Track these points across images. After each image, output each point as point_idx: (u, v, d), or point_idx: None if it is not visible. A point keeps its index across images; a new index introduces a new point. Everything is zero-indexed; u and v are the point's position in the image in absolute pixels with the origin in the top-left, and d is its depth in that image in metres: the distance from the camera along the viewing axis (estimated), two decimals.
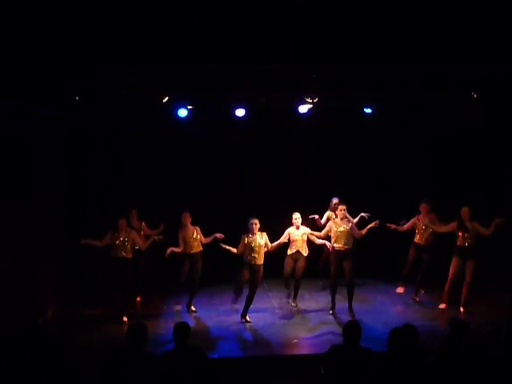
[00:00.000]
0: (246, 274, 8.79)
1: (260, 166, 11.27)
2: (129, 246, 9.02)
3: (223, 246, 8.86)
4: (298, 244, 9.32)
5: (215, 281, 10.39)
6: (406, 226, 9.68)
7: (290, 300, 9.73)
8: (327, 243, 9.16)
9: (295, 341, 8.15)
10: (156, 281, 10.24)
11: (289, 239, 9.33)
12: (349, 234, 8.99)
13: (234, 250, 8.82)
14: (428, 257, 9.64)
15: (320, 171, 11.20)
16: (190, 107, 9.67)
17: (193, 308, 9.45)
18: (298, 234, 9.31)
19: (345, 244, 8.99)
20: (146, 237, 9.70)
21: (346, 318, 8.62)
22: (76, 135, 10.52)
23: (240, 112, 9.82)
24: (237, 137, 10.93)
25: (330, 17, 6.99)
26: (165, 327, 8.34)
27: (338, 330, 8.05)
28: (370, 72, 7.82)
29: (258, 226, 8.81)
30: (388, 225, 9.40)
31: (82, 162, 10.70)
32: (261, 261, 8.82)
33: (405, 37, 7.07)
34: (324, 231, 9.26)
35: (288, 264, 9.46)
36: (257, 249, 8.75)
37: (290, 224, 9.35)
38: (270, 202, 10.80)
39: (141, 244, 9.31)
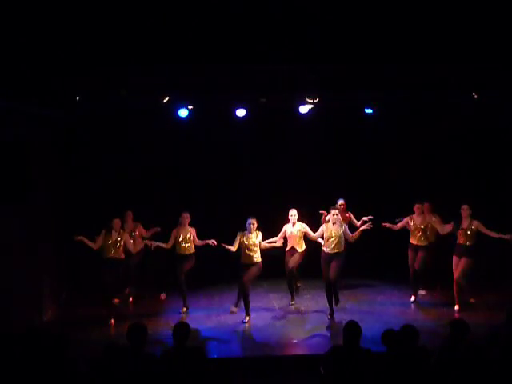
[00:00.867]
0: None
1: (260, 166, 11.26)
2: (120, 247, 9.05)
3: (223, 244, 8.87)
4: (294, 240, 9.34)
5: (214, 281, 10.39)
6: (399, 225, 9.66)
7: (290, 297, 9.77)
8: (321, 241, 9.18)
9: (295, 341, 8.15)
10: (154, 281, 10.26)
11: (285, 236, 9.37)
12: (340, 238, 8.94)
13: (233, 249, 8.85)
14: (424, 256, 9.62)
15: (320, 171, 11.20)
16: (190, 107, 9.67)
17: (184, 309, 9.46)
18: (293, 230, 9.34)
19: (334, 248, 8.93)
20: (143, 238, 9.72)
21: (346, 318, 8.61)
22: (75, 135, 10.52)
23: (241, 112, 9.83)
24: (237, 137, 10.92)
25: (330, 17, 6.99)
26: (165, 327, 8.35)
27: (338, 330, 8.05)
28: (371, 72, 7.81)
29: (256, 225, 8.85)
30: (383, 224, 9.40)
31: (81, 162, 10.69)
32: (258, 259, 8.87)
33: (405, 37, 7.06)
34: (317, 234, 9.22)
35: (287, 261, 9.49)
36: (252, 247, 8.82)
37: (287, 221, 9.37)
38: (269, 202, 10.80)
39: (131, 247, 9.32)
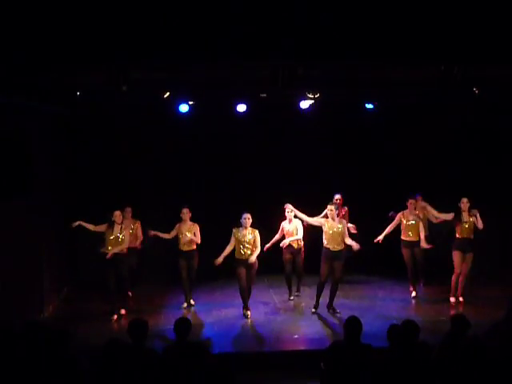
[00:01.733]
0: (242, 271, 8.79)
1: (261, 161, 11.25)
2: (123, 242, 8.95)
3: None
4: (291, 237, 9.37)
5: (215, 276, 10.41)
6: (392, 225, 9.65)
7: (293, 293, 9.81)
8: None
9: (296, 336, 8.16)
10: (155, 276, 10.28)
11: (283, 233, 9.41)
12: (342, 234, 8.86)
13: (230, 248, 8.85)
14: (420, 251, 9.62)
15: (320, 166, 11.19)
16: (191, 103, 9.66)
17: (192, 302, 9.49)
18: (290, 227, 9.37)
19: (337, 245, 8.87)
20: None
21: (346, 314, 8.60)
22: (76, 131, 10.51)
23: (241, 107, 9.82)
24: (238, 132, 10.90)
25: (331, 13, 6.96)
26: (166, 323, 8.36)
27: (339, 326, 8.07)
28: (372, 68, 7.78)
29: (250, 220, 8.80)
30: (375, 241, 9.53)
31: (81, 158, 10.69)
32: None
33: (405, 33, 7.04)
34: (315, 220, 9.13)
35: (286, 258, 9.55)
36: (246, 244, 8.76)
37: (283, 217, 9.40)
38: (270, 197, 10.78)
39: (128, 241, 9.16)
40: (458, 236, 9.15)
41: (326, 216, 9.11)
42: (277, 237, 9.47)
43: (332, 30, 7.00)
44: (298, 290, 9.94)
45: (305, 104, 9.54)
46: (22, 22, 6.79)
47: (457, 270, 9.18)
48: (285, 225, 9.42)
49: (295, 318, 8.92)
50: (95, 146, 10.70)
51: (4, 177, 7.90)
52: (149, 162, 10.97)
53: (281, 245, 9.33)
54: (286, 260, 9.57)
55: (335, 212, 8.89)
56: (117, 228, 8.95)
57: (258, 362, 7.39)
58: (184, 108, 9.69)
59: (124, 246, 8.98)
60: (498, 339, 5.53)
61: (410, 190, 9.99)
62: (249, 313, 8.90)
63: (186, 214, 9.32)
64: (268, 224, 9.51)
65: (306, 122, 10.41)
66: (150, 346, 5.52)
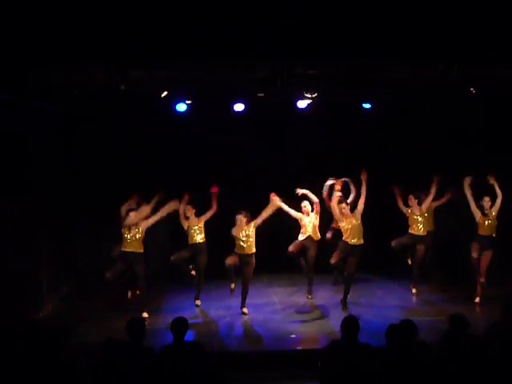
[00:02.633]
0: (233, 259, 8.79)
1: (258, 161, 11.25)
2: (139, 240, 8.85)
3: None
4: (309, 229, 9.41)
5: (213, 275, 10.39)
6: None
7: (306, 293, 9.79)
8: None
9: (293, 336, 8.16)
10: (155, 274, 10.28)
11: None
12: (360, 226, 8.93)
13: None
14: (423, 248, 9.67)
15: (319, 165, 11.18)
16: (188, 102, 9.66)
17: (197, 302, 9.47)
18: (308, 220, 9.39)
19: (359, 239, 8.91)
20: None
21: (344, 313, 8.63)
22: (75, 130, 10.50)
23: (239, 107, 9.82)
24: (235, 131, 10.89)
25: (329, 12, 6.97)
26: (164, 322, 8.35)
27: (337, 325, 8.06)
28: (370, 67, 7.79)
29: (244, 220, 8.78)
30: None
31: (80, 157, 10.67)
32: (250, 250, 8.80)
33: (403, 32, 7.05)
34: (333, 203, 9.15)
35: (297, 244, 9.52)
36: (244, 239, 8.76)
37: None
38: (267, 196, 10.77)
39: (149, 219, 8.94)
40: (479, 233, 9.21)
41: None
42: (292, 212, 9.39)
43: (331, 30, 7.01)
44: (310, 293, 9.81)
45: (302, 103, 9.55)
46: (21, 20, 6.80)
47: (482, 269, 9.23)
48: (303, 218, 9.45)
49: (293, 318, 8.90)
50: (94, 145, 10.68)
51: (2, 176, 7.90)
52: (148, 161, 10.96)
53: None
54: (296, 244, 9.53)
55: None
56: (132, 226, 8.81)
57: (255, 361, 7.38)
58: (182, 107, 9.69)
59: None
60: (497, 339, 5.53)
61: (410, 188, 10.04)
62: (244, 310, 8.93)
63: (189, 211, 9.34)
64: (266, 222, 9.48)
65: (304, 120, 10.41)
66: (148, 344, 5.51)
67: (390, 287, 10.34)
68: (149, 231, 9.22)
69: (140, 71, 7.48)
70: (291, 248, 9.54)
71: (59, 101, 8.91)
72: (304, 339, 8.10)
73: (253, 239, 8.84)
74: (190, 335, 5.59)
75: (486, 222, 9.12)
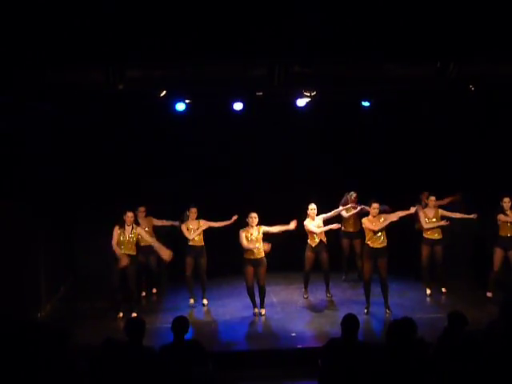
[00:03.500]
0: (250, 270, 8.79)
1: (258, 160, 11.25)
2: (134, 243, 8.88)
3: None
4: (321, 234, 9.32)
5: (214, 275, 10.40)
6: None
7: (325, 292, 9.72)
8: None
9: (293, 334, 8.16)
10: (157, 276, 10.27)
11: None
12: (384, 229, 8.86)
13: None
14: (441, 249, 9.64)
15: (318, 164, 11.19)
16: (187, 101, 9.65)
17: (205, 301, 9.49)
18: (314, 225, 9.28)
19: (382, 242, 8.86)
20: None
21: (344, 311, 8.61)
22: (73, 130, 10.49)
23: (238, 106, 9.81)
24: (235, 130, 10.89)
25: (327, 11, 6.97)
26: (164, 321, 8.36)
27: (337, 323, 8.05)
28: (369, 65, 7.79)
29: (257, 220, 8.80)
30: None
31: (79, 157, 10.67)
32: (260, 254, 8.81)
33: (401, 30, 7.05)
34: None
35: (309, 258, 9.43)
36: (255, 242, 8.74)
37: (305, 215, 9.35)
38: (267, 196, 10.80)
39: (148, 239, 8.99)
40: (500, 234, 9.21)
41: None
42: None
43: (329, 28, 7.01)
44: (328, 291, 9.74)
45: (301, 102, 9.54)
46: (19, 20, 6.79)
47: (496, 267, 9.21)
48: (307, 223, 9.30)
49: (293, 316, 8.91)
50: (93, 145, 10.67)
51: (1, 176, 7.89)
52: (148, 161, 10.95)
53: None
54: (309, 258, 9.45)
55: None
56: (128, 229, 8.83)
57: (255, 360, 7.39)
58: (181, 106, 9.69)
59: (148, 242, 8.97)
60: (495, 337, 5.53)
61: (412, 189, 10.08)
62: (262, 311, 8.92)
63: (192, 213, 9.36)
64: (266, 221, 9.48)
65: (303, 119, 10.40)
66: (148, 344, 5.50)
67: (390, 286, 10.30)
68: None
69: (138, 71, 7.47)
70: (307, 268, 9.48)
71: (57, 101, 8.89)
72: (303, 337, 8.08)
73: (261, 244, 8.82)
74: (189, 334, 5.56)
75: (508, 224, 9.11)
